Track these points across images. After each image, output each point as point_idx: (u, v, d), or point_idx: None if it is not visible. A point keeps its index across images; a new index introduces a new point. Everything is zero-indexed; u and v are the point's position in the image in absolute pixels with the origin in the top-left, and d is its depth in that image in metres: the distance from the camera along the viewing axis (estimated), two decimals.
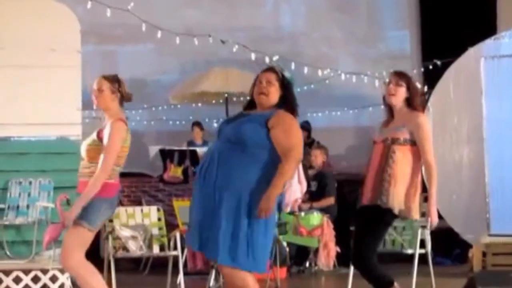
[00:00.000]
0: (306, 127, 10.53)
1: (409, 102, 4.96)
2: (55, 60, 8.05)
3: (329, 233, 7.99)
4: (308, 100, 11.52)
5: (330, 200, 8.75)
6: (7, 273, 6.54)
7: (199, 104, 11.09)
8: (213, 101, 10.85)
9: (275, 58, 9.47)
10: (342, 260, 8.05)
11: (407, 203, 4.88)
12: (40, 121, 8.04)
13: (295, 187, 8.73)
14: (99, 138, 4.99)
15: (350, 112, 11.46)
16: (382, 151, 4.93)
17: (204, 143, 10.05)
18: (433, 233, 6.84)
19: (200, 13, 11.74)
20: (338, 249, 8.11)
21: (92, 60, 10.23)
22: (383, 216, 4.89)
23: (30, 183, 7.96)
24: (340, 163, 10.58)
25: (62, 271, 6.62)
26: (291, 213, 8.32)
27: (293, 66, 9.44)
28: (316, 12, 12.28)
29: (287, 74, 4.50)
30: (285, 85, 4.45)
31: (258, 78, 4.48)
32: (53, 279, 6.60)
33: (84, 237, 4.99)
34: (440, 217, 7.85)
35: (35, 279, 6.59)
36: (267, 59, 9.38)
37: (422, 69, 10.68)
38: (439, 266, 7.95)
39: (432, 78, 9.49)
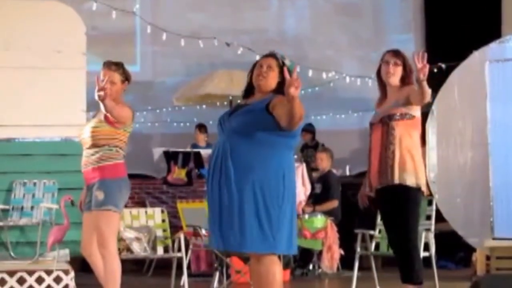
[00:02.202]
0: (309, 129, 10.54)
1: (404, 80, 4.98)
2: (61, 62, 8.06)
3: (333, 236, 7.99)
4: (313, 103, 11.55)
5: (334, 203, 8.74)
6: (11, 273, 6.54)
7: (204, 106, 11.11)
8: (218, 103, 10.86)
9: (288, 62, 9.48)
10: (345, 263, 8.04)
11: (414, 174, 4.87)
12: (45, 123, 8.06)
13: (299, 189, 8.75)
14: (107, 120, 5.01)
15: (355, 115, 11.47)
16: (382, 131, 4.94)
17: (208, 145, 10.06)
18: (436, 236, 6.83)
19: (205, 16, 11.76)
20: (342, 252, 8.11)
21: (97, 61, 10.24)
22: (401, 197, 4.85)
23: (35, 184, 7.97)
24: (344, 166, 10.56)
25: (66, 272, 6.62)
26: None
27: (298, 69, 9.44)
28: (320, 15, 12.29)
29: (287, 62, 4.45)
30: (282, 72, 4.36)
31: (258, 62, 4.46)
32: (57, 280, 6.60)
33: (115, 221, 5.04)
34: (444, 220, 7.92)
35: (39, 280, 6.59)
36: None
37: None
38: (442, 269, 7.94)
39: (436, 81, 9.47)
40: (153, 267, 8.55)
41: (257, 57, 9.14)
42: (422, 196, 5.01)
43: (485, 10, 10.36)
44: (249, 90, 4.49)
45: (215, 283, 6.86)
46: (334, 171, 9.24)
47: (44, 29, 8.14)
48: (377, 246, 6.83)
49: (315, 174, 9.15)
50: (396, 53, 5.08)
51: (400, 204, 4.90)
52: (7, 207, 7.86)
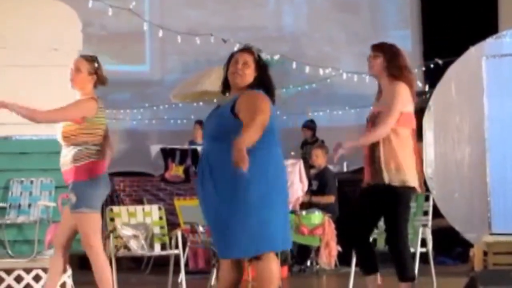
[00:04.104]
0: (311, 126, 10.54)
1: (386, 69, 4.97)
2: (57, 60, 8.06)
3: (331, 232, 7.99)
4: (310, 99, 11.56)
5: (330, 199, 8.75)
6: (8, 272, 6.54)
7: (201, 103, 11.09)
8: (215, 100, 10.83)
9: (277, 57, 9.47)
10: (343, 259, 8.05)
11: (403, 173, 4.87)
12: None
13: (296, 186, 8.75)
14: (75, 120, 5.07)
15: (352, 112, 11.46)
16: (372, 128, 4.96)
17: None
18: (434, 232, 6.83)
19: (202, 13, 11.74)
20: (340, 248, 8.10)
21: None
22: (390, 196, 4.88)
23: (32, 182, 7.97)
24: (342, 162, 10.56)
25: (64, 270, 6.61)
26: (293, 212, 8.32)
27: (294, 65, 9.46)
28: (317, 12, 12.29)
29: (263, 55, 4.43)
30: (261, 67, 4.37)
31: (233, 57, 4.38)
32: None
33: (92, 221, 5.05)
34: (441, 215, 7.93)
35: (37, 278, 6.59)
36: (268, 58, 9.38)
37: (424, 68, 10.68)
38: (440, 265, 7.94)
39: (433, 77, 9.49)
40: (151, 265, 8.55)
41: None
42: (412, 193, 5.02)
43: (482, 5, 10.36)
44: (227, 84, 4.42)
45: (213, 280, 6.86)
46: (331, 167, 9.24)
47: (41, 26, 8.15)
48: (374, 242, 6.83)
49: (312, 171, 9.15)
50: (376, 46, 5.10)
51: (388, 205, 4.94)
52: (4, 205, 7.87)
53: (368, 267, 5.15)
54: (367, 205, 5.06)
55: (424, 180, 8.07)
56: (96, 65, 5.19)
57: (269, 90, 4.35)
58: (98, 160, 5.06)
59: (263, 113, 4.14)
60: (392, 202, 4.93)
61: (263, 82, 4.35)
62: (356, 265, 6.67)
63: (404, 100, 4.93)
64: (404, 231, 4.99)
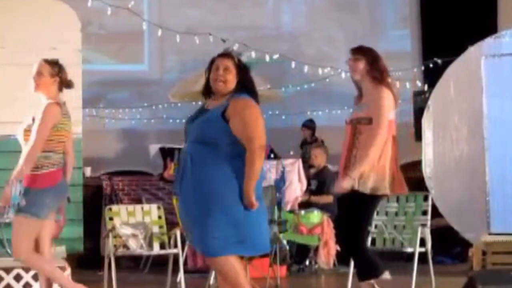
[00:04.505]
0: (310, 125, 10.53)
1: (368, 72, 4.95)
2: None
3: (329, 232, 7.99)
4: (309, 99, 11.56)
5: (329, 198, 8.75)
6: (7, 270, 6.54)
7: (200, 102, 11.08)
8: None
9: (276, 56, 9.47)
10: (342, 258, 8.05)
11: (376, 181, 4.85)
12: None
13: (295, 185, 8.76)
14: (34, 121, 5.08)
15: (351, 111, 11.44)
16: (350, 132, 4.95)
17: None
18: (433, 232, 6.83)
19: (200, 12, 11.74)
20: (338, 248, 8.10)
21: (92, 58, 10.25)
22: (358, 200, 4.85)
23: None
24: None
25: (62, 268, 6.60)
26: (292, 211, 8.33)
27: (293, 65, 9.46)
28: (316, 11, 12.29)
29: (244, 59, 4.44)
30: (242, 70, 4.39)
31: (214, 63, 4.41)
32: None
33: (28, 227, 5.06)
34: (440, 215, 7.93)
35: (36, 277, 6.57)
36: (267, 58, 9.38)
37: (423, 68, 10.69)
38: (439, 264, 7.94)
39: (432, 76, 9.50)
40: (149, 264, 8.54)
41: (253, 53, 9.20)
42: (380, 200, 5.01)
43: (481, 5, 10.37)
44: (208, 88, 4.45)
45: (212, 279, 6.85)
46: (330, 167, 9.24)
47: (39, 26, 8.14)
48: (373, 241, 6.83)
49: (312, 171, 9.16)
50: (356, 49, 5.08)
51: (352, 210, 4.93)
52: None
53: (362, 273, 5.07)
54: (345, 211, 5.07)
55: (422, 179, 8.12)
56: (58, 68, 5.22)
57: (252, 92, 4.38)
58: (56, 170, 5.07)
59: (259, 137, 4.21)
60: (358, 207, 4.90)
61: (246, 85, 4.38)
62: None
63: (389, 107, 4.91)
64: (364, 234, 5.02)
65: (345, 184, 4.84)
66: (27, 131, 5.08)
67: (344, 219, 5.03)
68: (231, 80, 4.36)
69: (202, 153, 4.25)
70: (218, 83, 4.35)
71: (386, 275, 4.96)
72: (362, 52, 5.03)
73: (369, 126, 4.86)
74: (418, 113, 9.62)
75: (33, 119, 5.09)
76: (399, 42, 12.30)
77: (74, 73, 8.19)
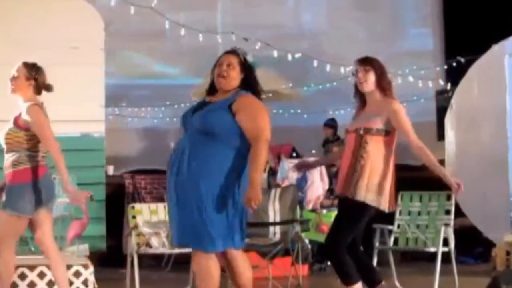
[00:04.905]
0: (332, 124, 10.50)
1: (378, 84, 4.92)
2: (79, 58, 8.10)
3: None
4: (331, 98, 11.53)
5: None
6: (31, 268, 6.59)
7: None
8: None
9: (298, 55, 9.46)
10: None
11: (379, 194, 4.82)
12: (64, 118, 8.07)
13: (317, 184, 8.74)
14: (17, 125, 5.11)
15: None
16: (355, 141, 4.89)
17: None
18: (455, 232, 6.80)
19: (222, 11, 11.76)
20: (360, 247, 8.08)
21: (116, 57, 10.29)
22: (355, 209, 4.84)
23: (54, 179, 8.00)
24: None
25: (85, 266, 6.66)
26: (313, 210, 8.32)
27: (315, 63, 9.44)
28: (337, 10, 12.25)
29: (249, 57, 4.43)
30: (247, 68, 4.40)
31: (219, 60, 4.43)
32: (77, 274, 6.63)
33: (11, 224, 5.09)
34: (463, 215, 7.88)
35: None
36: (289, 57, 9.38)
37: (446, 67, 10.63)
38: (461, 264, 7.90)
39: (455, 75, 9.45)
40: (171, 262, 8.57)
41: (275, 52, 9.22)
42: (373, 213, 4.94)
43: (505, 3, 10.29)
44: (213, 87, 4.47)
45: None
46: None
47: (63, 25, 8.18)
48: (395, 241, 6.81)
49: (334, 170, 9.13)
50: (364, 60, 5.04)
51: (346, 213, 4.90)
52: None
53: (367, 279, 5.04)
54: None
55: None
56: (35, 71, 5.27)
57: (256, 91, 4.39)
58: (36, 166, 5.13)
59: (265, 131, 4.24)
60: (352, 213, 4.88)
61: (250, 84, 4.39)
62: (377, 264, 6.67)
63: (406, 116, 4.92)
64: (346, 241, 4.91)
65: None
66: (9, 134, 5.13)
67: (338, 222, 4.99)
68: (234, 76, 4.37)
69: (201, 143, 4.28)
70: (219, 78, 4.38)
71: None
72: (370, 63, 4.99)
73: (377, 137, 4.85)
74: (441, 112, 9.58)
75: (18, 125, 5.13)
76: (421, 41, 12.24)
77: (96, 72, 8.34)
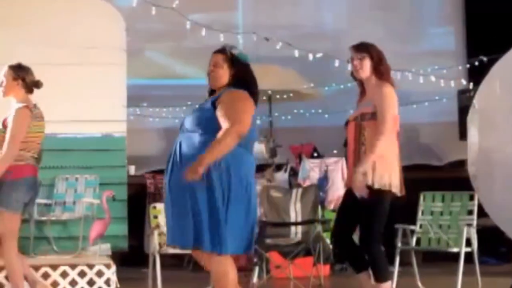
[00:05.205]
0: None
1: (375, 70, 4.90)
2: (101, 58, 8.14)
3: None
4: (352, 97, 11.47)
5: None
6: (54, 267, 6.64)
7: None
8: None
9: (319, 55, 9.44)
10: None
11: (384, 178, 4.79)
12: (86, 118, 8.15)
13: (338, 184, 8.72)
14: (4, 125, 5.20)
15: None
16: (355, 130, 4.90)
17: None
18: (479, 232, 6.75)
19: (243, 11, 11.76)
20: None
21: (137, 57, 10.32)
22: (370, 197, 4.79)
23: (76, 179, 8.06)
24: None
25: (108, 266, 6.70)
26: (334, 210, 8.29)
27: (337, 63, 9.42)
28: (357, 9, 12.21)
29: (236, 52, 4.42)
30: (236, 64, 4.40)
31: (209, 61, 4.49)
32: (99, 274, 6.68)
33: (4, 220, 5.19)
34: (485, 215, 7.82)
35: (82, 274, 6.68)
36: (310, 56, 9.36)
37: (468, 66, 10.56)
38: (483, 265, 7.85)
39: (477, 74, 9.37)
40: (193, 262, 8.59)
41: (296, 52, 9.19)
42: (390, 197, 4.90)
43: None
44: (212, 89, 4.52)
45: (255, 278, 6.87)
46: None
47: (84, 25, 8.22)
48: (418, 241, 6.78)
49: None
50: (359, 47, 5.02)
51: (367, 207, 4.85)
52: (49, 201, 7.96)
53: (357, 265, 5.07)
54: (349, 205, 5.00)
55: (468, 179, 8.02)
56: (21, 70, 5.34)
57: (249, 86, 4.38)
58: (24, 165, 5.19)
59: (239, 124, 4.18)
60: (372, 204, 4.83)
61: (240, 79, 4.38)
62: (399, 264, 6.65)
63: (394, 102, 4.86)
64: (378, 233, 4.92)
65: (356, 182, 4.76)
66: None
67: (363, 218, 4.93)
68: (220, 75, 4.39)
69: (191, 142, 4.30)
70: (208, 78, 4.45)
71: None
72: (366, 49, 4.97)
73: (372, 121, 4.82)
74: (463, 111, 9.52)
75: (5, 125, 5.21)
76: (443, 40, 12.16)
77: (118, 72, 8.37)
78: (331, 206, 8.56)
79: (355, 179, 4.79)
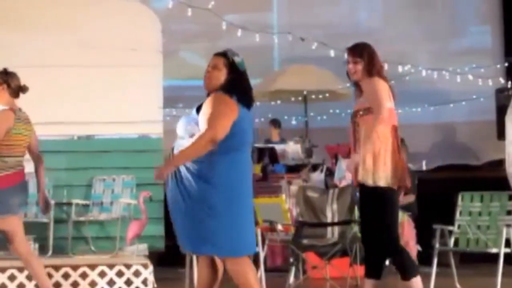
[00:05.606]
0: None
1: (366, 71, 4.95)
2: (137, 60, 8.19)
3: (410, 232, 7.88)
4: None
5: (410, 197, 8.62)
6: (92, 267, 6.70)
7: (278, 102, 11.10)
8: (292, 99, 10.84)
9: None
10: (423, 259, 7.93)
11: (377, 171, 4.84)
12: (123, 120, 8.20)
13: None
14: None
15: (431, 109, 11.28)
16: (353, 128, 4.98)
17: (282, 141, 10.06)
18: None
19: (278, 11, 11.77)
20: (419, 248, 7.99)
21: (173, 58, 10.38)
22: (373, 198, 4.85)
23: (114, 180, 8.12)
24: (421, 160, 10.41)
25: (145, 266, 6.75)
26: None
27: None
28: (392, 8, 12.15)
29: (237, 59, 4.42)
30: (235, 70, 4.41)
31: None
32: (137, 273, 6.73)
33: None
34: None
35: (119, 274, 6.73)
36: (346, 56, 9.31)
37: (506, 64, 10.44)
38: None
39: None
40: None
41: (332, 52, 9.16)
42: (396, 194, 4.94)
43: None
44: None
45: (291, 278, 6.86)
46: (410, 165, 9.11)
47: (121, 27, 8.27)
48: (456, 242, 6.71)
49: None
50: (353, 50, 5.07)
51: (375, 207, 4.90)
52: (87, 202, 8.03)
53: (370, 270, 5.11)
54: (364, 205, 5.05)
55: (506, 178, 7.91)
56: (6, 75, 5.42)
57: (244, 93, 4.41)
58: (12, 173, 5.29)
59: (213, 129, 4.21)
60: (378, 203, 4.88)
61: (234, 85, 4.39)
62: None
63: (385, 95, 4.89)
64: (394, 231, 4.92)
65: (354, 164, 4.84)
66: None
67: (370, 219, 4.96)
68: (217, 76, 4.40)
69: (181, 147, 4.35)
70: (204, 80, 4.46)
71: None
72: (360, 53, 5.01)
73: (366, 117, 4.88)
74: (501, 110, 9.41)
75: None
76: (480, 39, 12.04)
77: (154, 74, 8.41)
78: None
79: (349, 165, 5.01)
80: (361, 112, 4.92)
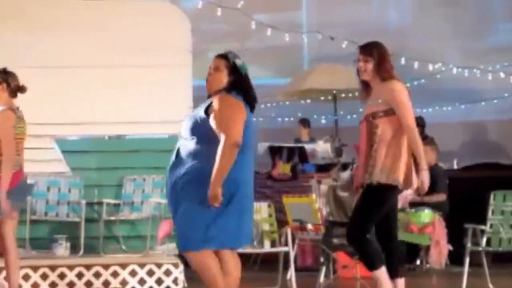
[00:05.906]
0: (420, 123, 10.31)
1: (376, 72, 4.95)
2: (167, 60, 8.21)
3: (441, 231, 7.84)
4: (418, 96, 11.34)
5: (441, 196, 8.56)
6: (123, 266, 6.75)
7: (308, 101, 11.09)
8: (322, 98, 10.81)
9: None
10: (454, 258, 7.87)
11: (393, 171, 4.85)
12: (153, 120, 8.22)
13: None
14: None
15: (462, 107, 11.19)
16: (367, 129, 4.97)
17: (311, 140, 10.04)
18: None
19: (307, 10, 11.75)
20: (450, 247, 7.94)
21: (202, 58, 10.40)
22: (372, 193, 4.88)
23: (144, 179, 8.15)
24: (452, 159, 10.33)
25: (175, 265, 6.77)
26: (402, 209, 8.20)
27: (403, 60, 9.33)
28: (422, 6, 12.09)
29: (238, 61, 4.43)
30: (236, 72, 4.41)
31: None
32: (167, 273, 6.76)
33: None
34: None
35: (150, 273, 6.77)
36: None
37: None
38: None
39: None
40: (259, 261, 8.60)
41: None
42: (395, 191, 4.96)
43: None
44: None
45: (322, 278, 6.84)
46: (441, 164, 9.04)
47: (151, 28, 8.29)
48: (488, 242, 6.65)
49: None
50: (365, 48, 5.06)
51: (366, 201, 4.94)
52: (118, 202, 8.07)
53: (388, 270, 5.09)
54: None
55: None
56: (5, 75, 5.46)
57: (247, 94, 4.41)
58: (16, 171, 5.34)
59: (231, 136, 4.23)
60: (370, 198, 4.93)
61: (236, 87, 4.40)
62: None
63: (406, 95, 4.93)
64: (368, 221, 4.95)
65: (420, 183, 4.87)
66: None
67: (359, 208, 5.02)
68: (219, 78, 4.41)
69: (187, 149, 4.38)
70: (206, 82, 4.47)
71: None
72: (370, 52, 5.01)
73: (385, 119, 4.90)
74: None
75: None
76: (510, 36, 11.93)
77: (184, 74, 8.43)
78: (399, 206, 8.45)
79: (423, 178, 4.84)
80: (380, 114, 4.92)
